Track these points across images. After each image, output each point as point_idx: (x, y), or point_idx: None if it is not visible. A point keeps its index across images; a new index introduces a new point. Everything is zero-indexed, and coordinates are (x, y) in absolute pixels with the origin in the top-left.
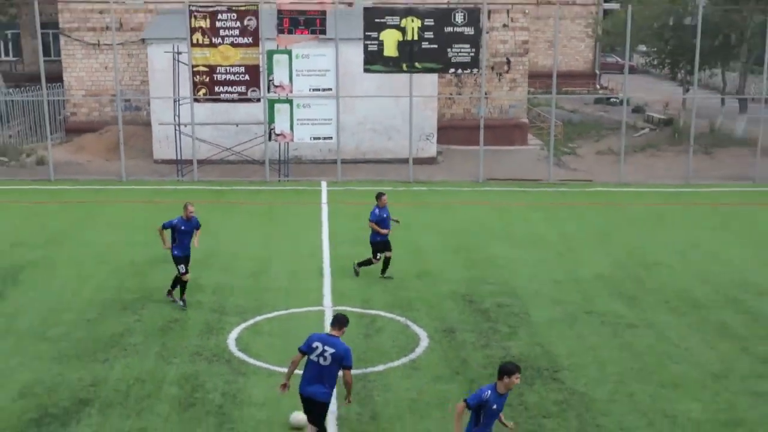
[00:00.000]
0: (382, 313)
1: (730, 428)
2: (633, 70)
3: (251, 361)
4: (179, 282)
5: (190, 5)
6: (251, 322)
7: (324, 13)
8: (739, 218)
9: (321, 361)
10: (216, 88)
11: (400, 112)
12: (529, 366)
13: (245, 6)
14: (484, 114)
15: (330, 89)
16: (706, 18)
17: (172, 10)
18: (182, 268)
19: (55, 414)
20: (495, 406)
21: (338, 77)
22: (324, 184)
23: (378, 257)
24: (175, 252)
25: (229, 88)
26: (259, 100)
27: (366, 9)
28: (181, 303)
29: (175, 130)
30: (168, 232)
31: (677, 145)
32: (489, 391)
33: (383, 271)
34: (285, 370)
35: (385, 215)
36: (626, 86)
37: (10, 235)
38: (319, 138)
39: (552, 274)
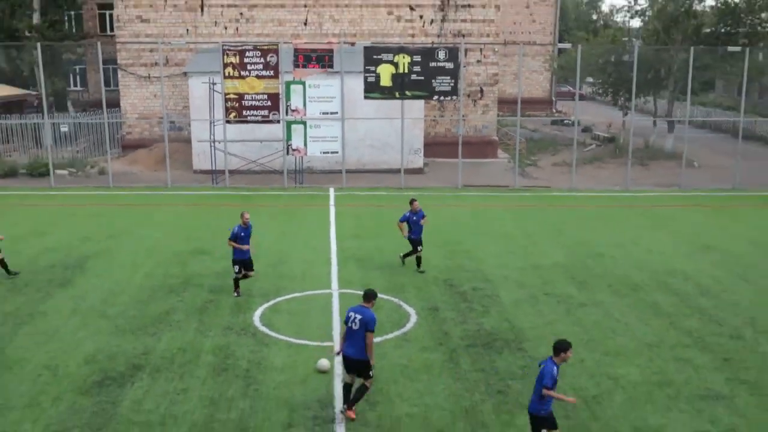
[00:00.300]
0: (380, 295)
1: (662, 388)
2: (582, 98)
3: (272, 334)
4: (236, 280)
5: (223, 45)
6: (272, 302)
7: (331, 51)
8: (668, 218)
9: (353, 326)
10: (244, 112)
11: (393, 131)
12: (499, 338)
13: (267, 46)
14: (462, 132)
15: (336, 113)
16: (640, 56)
17: (209, 49)
18: (237, 269)
19: (114, 377)
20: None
21: (343, 103)
22: (332, 190)
23: (419, 249)
24: (235, 255)
25: (255, 112)
26: (278, 121)
27: (366, 48)
28: (236, 294)
29: (211, 146)
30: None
31: (618, 158)
32: (555, 368)
33: (418, 265)
34: (300, 341)
35: (414, 218)
36: (577, 110)
37: (79, 231)
38: (327, 152)
39: (517, 263)
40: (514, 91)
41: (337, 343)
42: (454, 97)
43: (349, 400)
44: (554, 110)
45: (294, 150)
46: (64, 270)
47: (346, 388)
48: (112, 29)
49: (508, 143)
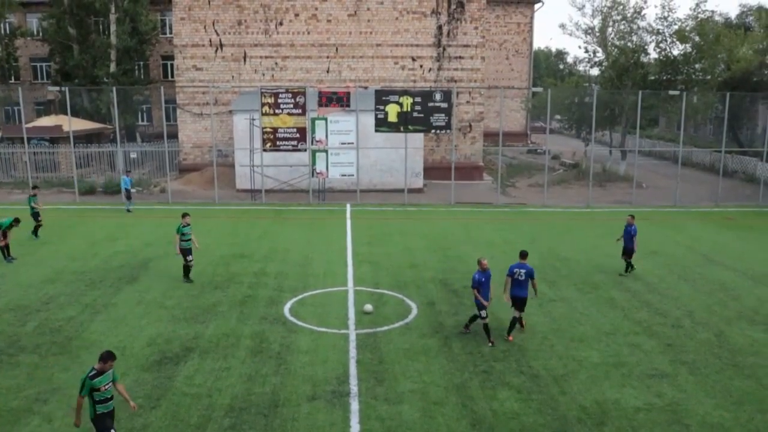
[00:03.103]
0: (387, 292)
1: (617, 368)
2: (551, 131)
3: (299, 323)
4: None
5: (261, 88)
6: (300, 297)
7: (348, 93)
8: (621, 229)
9: (519, 277)
10: (277, 142)
11: (398, 157)
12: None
13: (297, 89)
14: (454, 159)
15: (352, 143)
16: (598, 98)
17: (250, 92)
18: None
19: (170, 357)
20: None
21: (358, 135)
22: (348, 205)
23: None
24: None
25: (286, 142)
26: (305, 150)
27: (377, 90)
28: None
29: (251, 169)
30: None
31: (581, 181)
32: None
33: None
34: (322, 329)
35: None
36: (547, 141)
37: (144, 238)
38: (345, 175)
39: (499, 265)
40: (496, 126)
41: (504, 295)
42: (448, 131)
43: (510, 330)
44: (529, 141)
45: (318, 173)
46: (131, 269)
47: (513, 321)
48: (172, 75)
49: (491, 168)
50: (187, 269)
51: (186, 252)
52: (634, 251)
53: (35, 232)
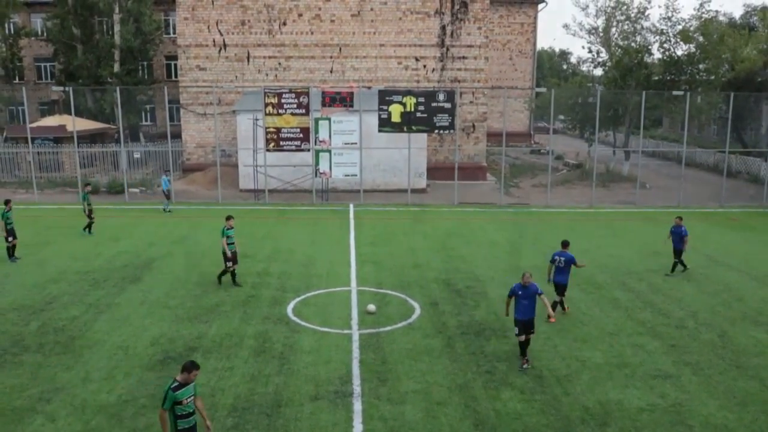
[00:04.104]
0: (390, 292)
1: (621, 368)
2: (555, 132)
3: (302, 323)
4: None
5: (264, 89)
6: (303, 297)
7: (352, 93)
8: (625, 229)
9: (560, 264)
10: (281, 142)
11: (402, 158)
12: (488, 327)
13: (300, 89)
14: (457, 159)
15: (356, 143)
16: (602, 98)
17: (253, 92)
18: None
19: (173, 357)
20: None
21: (361, 135)
22: (351, 206)
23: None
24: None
25: (289, 143)
26: (309, 150)
27: (380, 90)
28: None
29: (254, 169)
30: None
31: (585, 181)
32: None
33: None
34: (325, 329)
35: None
36: (551, 142)
37: (147, 238)
38: (348, 175)
39: (502, 265)
40: (500, 126)
41: (545, 280)
42: (451, 131)
43: (551, 313)
44: (532, 142)
45: (321, 173)
46: (135, 269)
47: (554, 304)
48: (176, 76)
49: (495, 168)
50: (231, 273)
51: (230, 256)
52: (683, 251)
53: (88, 228)
